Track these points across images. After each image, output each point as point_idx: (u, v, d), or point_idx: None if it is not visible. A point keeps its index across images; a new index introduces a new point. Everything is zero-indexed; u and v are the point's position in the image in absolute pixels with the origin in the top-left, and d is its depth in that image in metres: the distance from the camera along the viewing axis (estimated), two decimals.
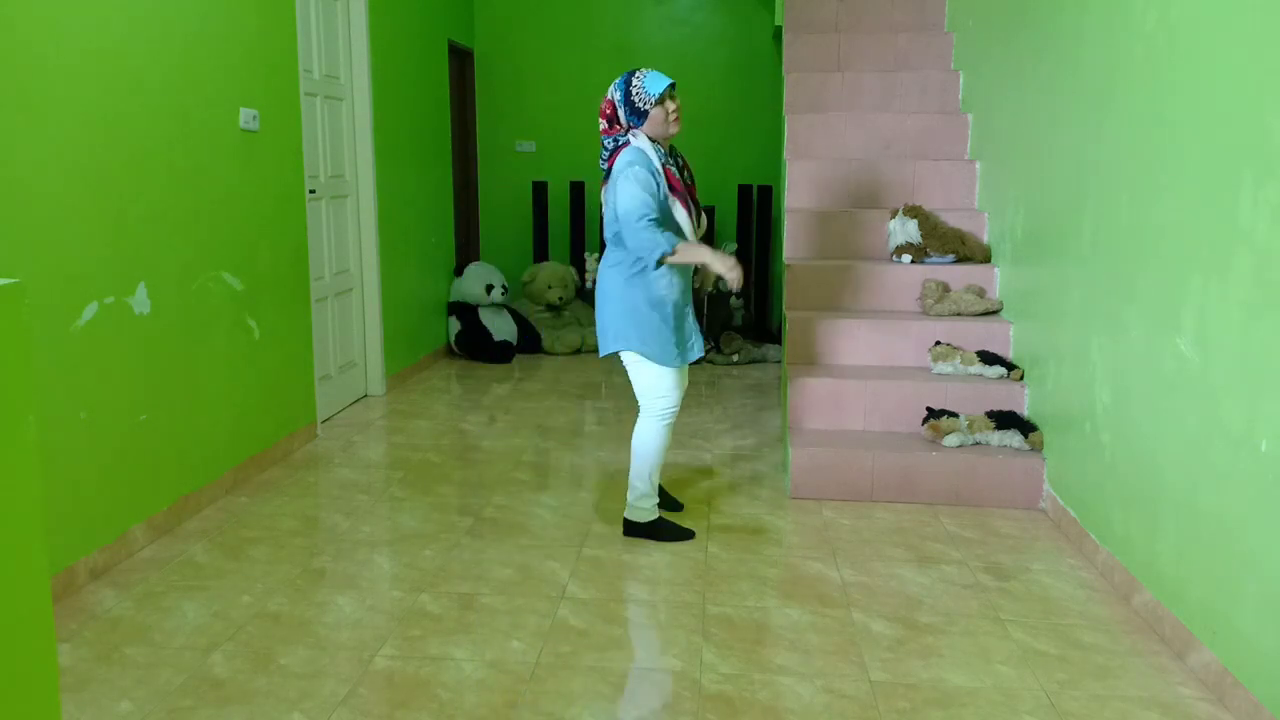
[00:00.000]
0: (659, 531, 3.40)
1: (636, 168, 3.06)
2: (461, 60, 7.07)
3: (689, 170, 3.35)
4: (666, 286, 3.17)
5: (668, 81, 3.11)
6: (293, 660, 2.59)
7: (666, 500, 3.62)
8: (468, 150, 7.25)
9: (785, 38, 5.69)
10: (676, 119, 3.14)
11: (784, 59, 5.67)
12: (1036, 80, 3.92)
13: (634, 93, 3.11)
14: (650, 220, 3.06)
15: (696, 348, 3.31)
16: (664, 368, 3.23)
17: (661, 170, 3.12)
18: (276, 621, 2.80)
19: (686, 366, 3.36)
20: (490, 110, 7.31)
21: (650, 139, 3.15)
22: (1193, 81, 2.66)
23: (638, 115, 3.13)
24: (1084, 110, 3.38)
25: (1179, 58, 2.74)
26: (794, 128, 5.23)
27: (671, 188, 3.15)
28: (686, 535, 3.41)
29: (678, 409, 3.35)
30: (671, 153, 3.24)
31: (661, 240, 3.06)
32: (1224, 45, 2.51)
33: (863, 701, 2.42)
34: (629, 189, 3.05)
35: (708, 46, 7.14)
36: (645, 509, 3.40)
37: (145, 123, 3.30)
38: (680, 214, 3.15)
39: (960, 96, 5.24)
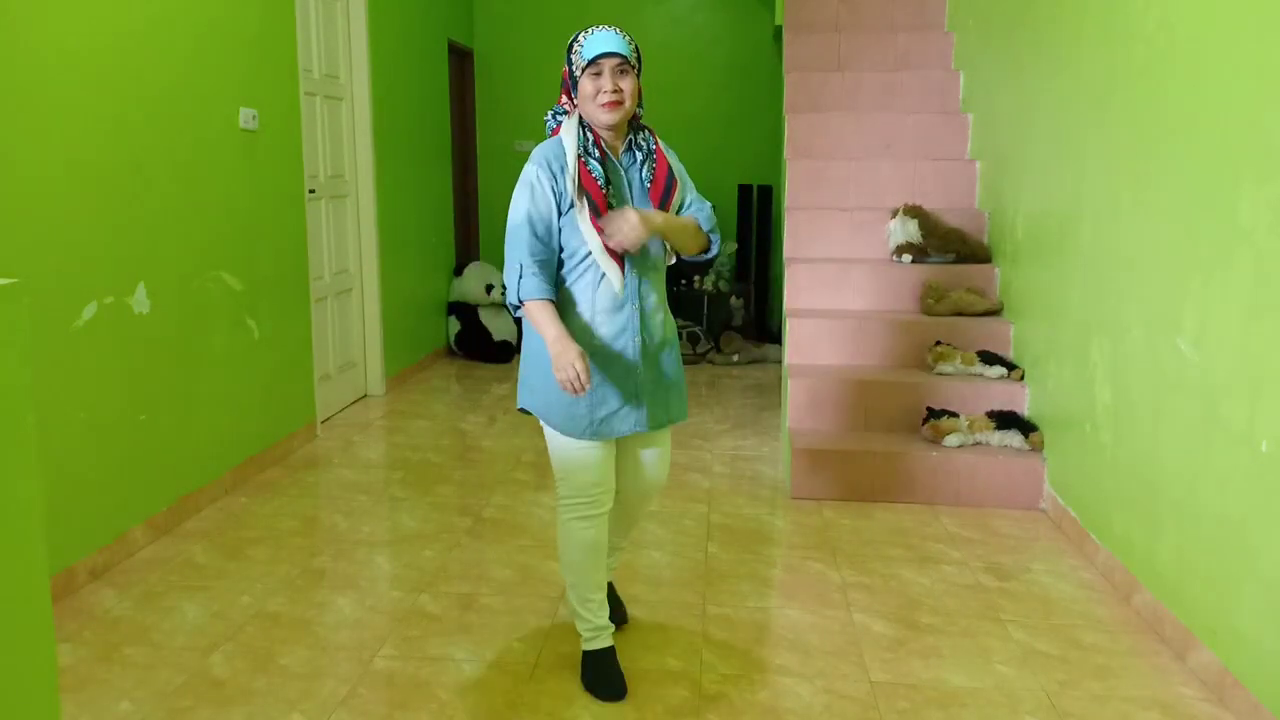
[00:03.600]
0: (587, 669, 2.47)
1: (531, 167, 2.25)
2: (461, 60, 7.07)
3: (660, 168, 2.35)
4: (578, 326, 2.28)
5: (605, 47, 2.19)
6: (292, 660, 2.59)
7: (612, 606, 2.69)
8: (468, 150, 7.25)
9: (785, 37, 5.68)
10: (607, 104, 2.20)
11: (784, 59, 5.67)
12: (1036, 80, 3.92)
13: (572, 55, 2.25)
14: (525, 237, 2.22)
15: (629, 419, 2.31)
16: (567, 438, 2.31)
17: (574, 169, 2.23)
18: (276, 622, 2.80)
19: (630, 445, 2.42)
20: (490, 110, 7.31)
21: (588, 125, 2.28)
22: (1193, 81, 2.66)
23: (572, 86, 2.28)
24: (1084, 110, 3.38)
25: (1179, 58, 2.74)
26: (794, 127, 5.23)
27: (587, 193, 2.23)
28: (613, 693, 2.40)
29: (596, 504, 2.35)
30: (632, 147, 2.34)
31: (527, 287, 2.20)
32: (1224, 46, 2.51)
33: (863, 702, 2.41)
34: (515, 194, 2.27)
35: (708, 46, 7.14)
36: (581, 633, 2.48)
37: (145, 123, 3.29)
38: (585, 227, 2.22)
39: (960, 96, 5.24)
